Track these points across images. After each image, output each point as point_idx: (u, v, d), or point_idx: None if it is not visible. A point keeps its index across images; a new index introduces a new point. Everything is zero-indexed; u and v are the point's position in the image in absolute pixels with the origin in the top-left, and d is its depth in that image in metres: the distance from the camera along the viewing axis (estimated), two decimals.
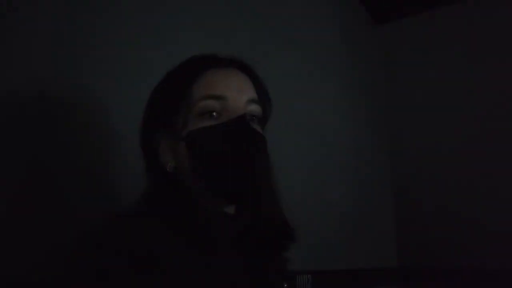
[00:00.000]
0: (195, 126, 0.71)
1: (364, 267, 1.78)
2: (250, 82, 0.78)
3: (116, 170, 0.98)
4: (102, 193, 0.96)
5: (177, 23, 1.21)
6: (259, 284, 0.71)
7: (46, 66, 0.91)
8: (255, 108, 0.75)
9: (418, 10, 2.08)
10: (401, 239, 2.01)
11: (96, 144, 0.96)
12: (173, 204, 0.70)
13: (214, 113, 0.71)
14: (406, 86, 2.12)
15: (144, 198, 0.72)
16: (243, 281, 0.70)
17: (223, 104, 0.72)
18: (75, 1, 0.98)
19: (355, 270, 1.72)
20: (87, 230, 0.63)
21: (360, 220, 1.84)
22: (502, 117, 1.84)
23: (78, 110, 0.95)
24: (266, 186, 0.75)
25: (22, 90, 0.87)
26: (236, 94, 0.73)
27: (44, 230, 0.85)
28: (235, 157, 0.70)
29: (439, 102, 2.00)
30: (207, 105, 0.71)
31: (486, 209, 1.81)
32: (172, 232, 0.64)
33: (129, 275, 0.58)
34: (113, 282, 0.57)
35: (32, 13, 0.90)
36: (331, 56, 1.86)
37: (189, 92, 0.72)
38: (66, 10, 0.96)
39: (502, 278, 1.68)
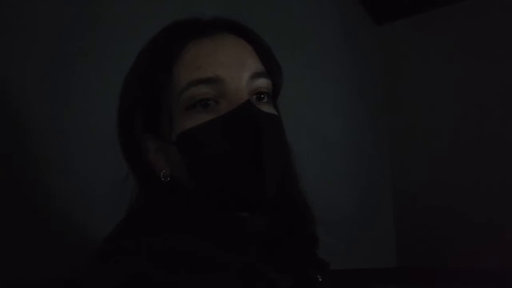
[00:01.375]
0: (186, 124, 0.53)
1: (364, 267, 1.78)
2: (249, 48, 0.59)
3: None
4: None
5: (172, 19, 1.21)
6: (300, 279, 0.60)
7: (43, 64, 0.91)
8: (262, 83, 0.57)
9: (418, 10, 2.08)
10: (401, 239, 2.01)
11: (93, 146, 0.96)
12: (185, 219, 0.54)
13: (209, 102, 0.53)
14: (406, 86, 2.12)
15: (138, 220, 0.55)
16: (285, 280, 0.57)
17: (218, 87, 0.53)
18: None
19: (355, 270, 1.72)
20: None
21: (360, 220, 1.84)
22: (502, 117, 1.84)
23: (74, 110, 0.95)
24: (287, 175, 0.61)
25: (19, 88, 0.87)
26: (234, 70, 0.54)
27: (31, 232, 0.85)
28: (243, 158, 0.52)
29: (439, 102, 2.00)
30: (196, 93, 0.52)
31: (486, 209, 1.80)
32: (189, 250, 0.49)
33: None
34: None
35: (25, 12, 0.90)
36: (330, 56, 1.86)
37: (169, 78, 0.53)
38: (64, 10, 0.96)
39: (502, 278, 1.68)
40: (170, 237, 0.50)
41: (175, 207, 0.55)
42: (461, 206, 1.86)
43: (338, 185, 1.75)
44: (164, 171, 0.56)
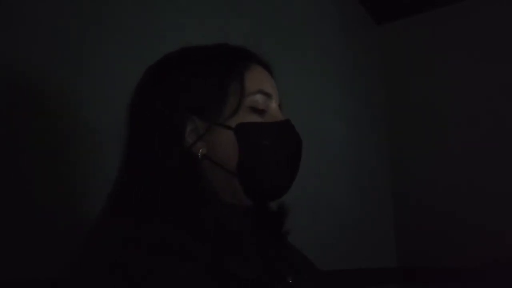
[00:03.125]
0: (246, 119, 0.67)
1: (364, 267, 1.78)
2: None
3: None
4: None
5: (174, 21, 1.21)
6: (271, 275, 0.66)
7: (45, 65, 0.91)
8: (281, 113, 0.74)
9: (418, 10, 2.08)
10: (401, 239, 2.02)
11: (95, 144, 0.96)
12: (176, 208, 0.62)
13: (264, 110, 0.69)
14: (406, 86, 2.12)
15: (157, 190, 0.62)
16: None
17: (268, 102, 0.70)
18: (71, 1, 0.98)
19: (355, 270, 1.72)
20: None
21: (360, 220, 1.84)
22: (502, 118, 1.84)
23: (79, 108, 0.95)
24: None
25: (22, 88, 0.87)
26: (275, 94, 0.72)
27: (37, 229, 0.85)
28: (286, 158, 0.69)
29: (439, 103, 2.00)
30: (259, 101, 0.69)
31: (485, 209, 1.81)
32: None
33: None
34: None
35: (28, 12, 0.90)
36: (330, 56, 1.86)
37: (242, 82, 0.68)
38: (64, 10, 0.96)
39: (501, 278, 1.68)
40: (157, 228, 0.59)
41: (179, 194, 0.63)
42: (460, 206, 1.86)
43: (339, 186, 1.75)
44: (202, 149, 0.67)
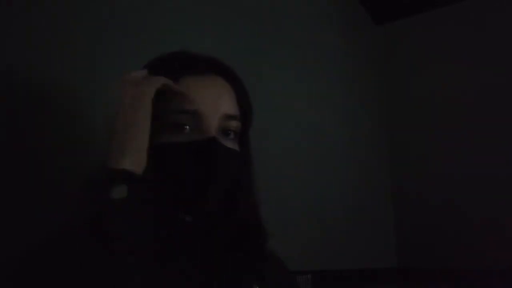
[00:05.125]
0: (164, 138, 0.67)
1: (364, 267, 1.78)
2: (230, 92, 0.72)
3: None
4: None
5: (173, 22, 1.21)
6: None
7: (47, 64, 0.91)
8: (231, 124, 0.71)
9: (418, 10, 2.08)
10: (401, 239, 2.01)
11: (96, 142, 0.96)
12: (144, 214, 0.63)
13: (186, 127, 0.67)
14: (406, 86, 2.12)
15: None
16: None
17: (196, 119, 0.67)
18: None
19: (355, 270, 1.72)
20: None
21: (360, 220, 1.84)
22: (501, 116, 1.84)
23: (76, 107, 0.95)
24: (240, 198, 0.74)
25: (23, 88, 0.87)
26: (211, 108, 0.68)
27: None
28: (196, 175, 0.67)
29: (439, 102, 2.00)
30: (179, 120, 0.67)
31: (486, 208, 1.81)
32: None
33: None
34: None
35: (31, 10, 0.90)
36: (330, 56, 1.86)
37: (162, 98, 0.66)
38: (64, 8, 0.96)
39: (502, 278, 1.68)
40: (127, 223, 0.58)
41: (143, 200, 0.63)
42: (461, 206, 1.86)
43: (339, 185, 1.75)
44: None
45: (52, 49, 0.93)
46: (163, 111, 0.67)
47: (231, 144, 0.71)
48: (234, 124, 0.71)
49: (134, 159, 0.61)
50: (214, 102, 0.69)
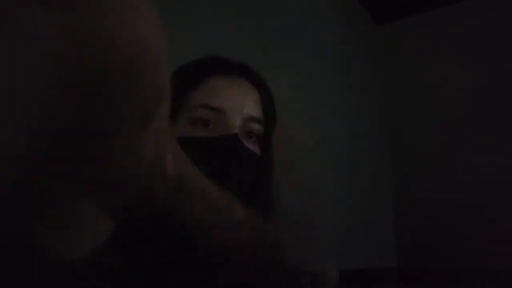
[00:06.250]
0: (188, 132, 0.70)
1: (364, 267, 1.78)
2: (255, 95, 0.75)
3: None
4: None
5: (176, 23, 1.21)
6: None
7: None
8: (253, 126, 0.73)
9: (418, 10, 2.08)
10: (401, 239, 2.01)
11: None
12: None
13: (210, 123, 0.70)
14: (406, 85, 2.12)
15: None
16: None
17: (220, 116, 0.70)
18: None
19: (355, 270, 1.72)
20: None
21: (360, 220, 1.84)
22: (502, 116, 1.84)
23: None
24: (259, 198, 0.73)
25: None
26: (235, 108, 0.71)
27: None
28: (213, 172, 0.68)
29: (438, 101, 2.00)
30: (203, 114, 0.70)
31: (486, 209, 1.81)
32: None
33: None
34: None
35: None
36: (331, 56, 1.87)
37: (190, 96, 0.71)
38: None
39: (502, 278, 1.68)
40: None
41: None
42: (461, 206, 1.86)
43: (338, 185, 1.75)
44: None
45: None
46: (189, 105, 0.70)
47: (252, 146, 0.73)
48: (257, 127, 0.73)
49: None
50: (238, 102, 0.72)
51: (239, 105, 0.71)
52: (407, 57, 2.14)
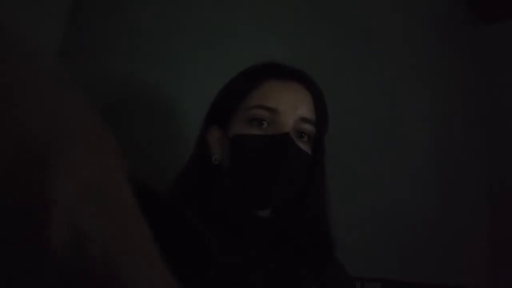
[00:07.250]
0: (243, 130, 0.75)
1: (454, 284, 1.66)
2: (308, 98, 0.79)
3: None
4: None
5: (236, 22, 1.22)
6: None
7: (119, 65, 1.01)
8: (306, 127, 0.77)
9: None
10: (495, 258, 1.84)
11: (161, 143, 1.04)
12: (209, 196, 0.75)
13: (264, 123, 0.75)
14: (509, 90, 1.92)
15: (179, 184, 0.77)
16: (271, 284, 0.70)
17: (274, 116, 0.75)
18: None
19: (444, 285, 1.61)
20: None
21: (452, 238, 1.70)
22: None
23: (149, 108, 1.04)
24: (311, 198, 0.79)
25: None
26: (288, 109, 0.75)
27: None
28: (265, 169, 0.73)
29: None
30: (257, 114, 0.75)
31: None
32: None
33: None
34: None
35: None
36: (425, 57, 1.76)
37: (247, 98, 0.76)
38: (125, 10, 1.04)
39: None
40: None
41: (211, 187, 0.76)
42: None
43: (427, 200, 1.65)
44: (216, 155, 0.78)
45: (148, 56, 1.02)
46: (245, 106, 0.76)
47: (303, 145, 0.77)
48: (309, 128, 0.78)
49: None
50: (292, 104, 0.76)
51: (292, 106, 0.76)
52: None
